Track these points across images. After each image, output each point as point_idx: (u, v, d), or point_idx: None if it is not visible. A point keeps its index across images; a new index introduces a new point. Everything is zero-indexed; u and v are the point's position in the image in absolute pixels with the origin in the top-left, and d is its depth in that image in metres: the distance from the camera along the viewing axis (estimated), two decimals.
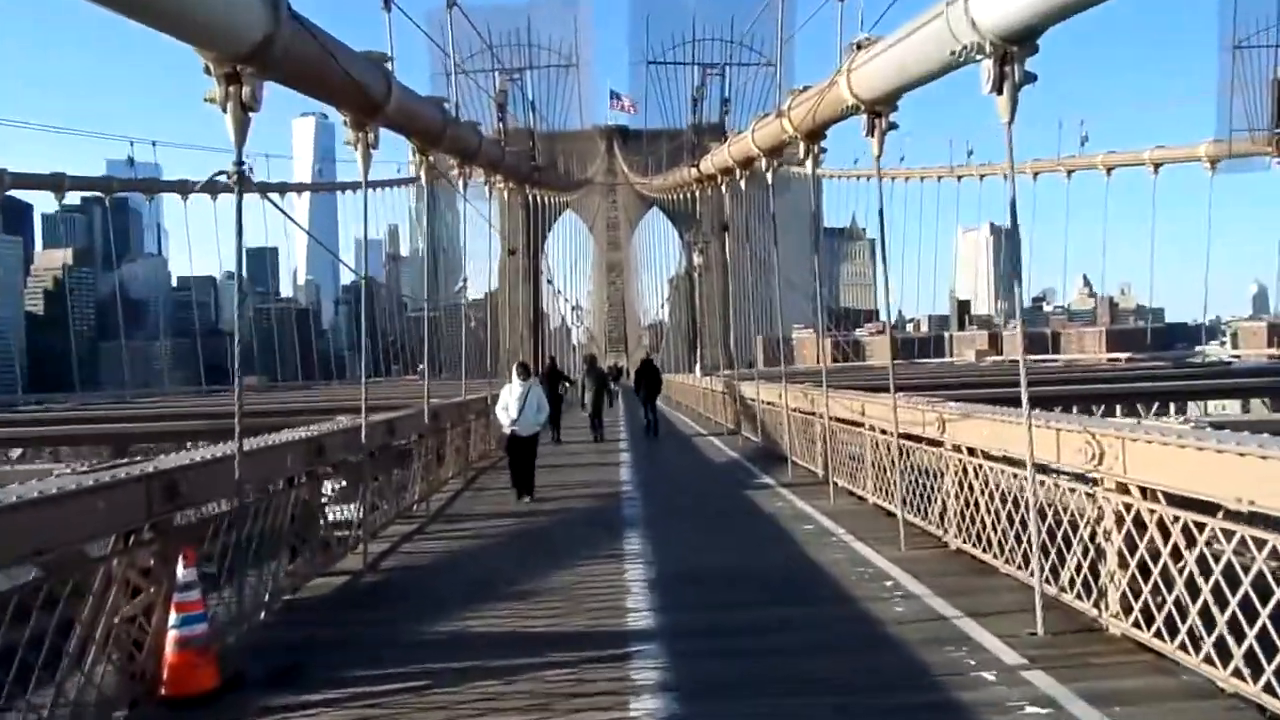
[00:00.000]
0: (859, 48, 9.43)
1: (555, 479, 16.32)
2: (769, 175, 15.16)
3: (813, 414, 15.60)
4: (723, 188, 20.06)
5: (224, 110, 6.61)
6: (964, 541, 9.14)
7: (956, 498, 9.34)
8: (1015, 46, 6.63)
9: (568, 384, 25.81)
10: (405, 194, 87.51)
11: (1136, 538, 6.24)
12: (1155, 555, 6.08)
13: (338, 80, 8.48)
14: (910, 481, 10.36)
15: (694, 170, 23.68)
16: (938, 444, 9.84)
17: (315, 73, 8.07)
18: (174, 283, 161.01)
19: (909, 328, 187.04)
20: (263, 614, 7.62)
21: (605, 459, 19.47)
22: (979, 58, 6.81)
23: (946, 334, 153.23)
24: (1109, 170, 32.72)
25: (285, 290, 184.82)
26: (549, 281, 73.55)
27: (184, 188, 55.96)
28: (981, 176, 43.23)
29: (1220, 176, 31.82)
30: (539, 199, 55.26)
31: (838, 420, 13.29)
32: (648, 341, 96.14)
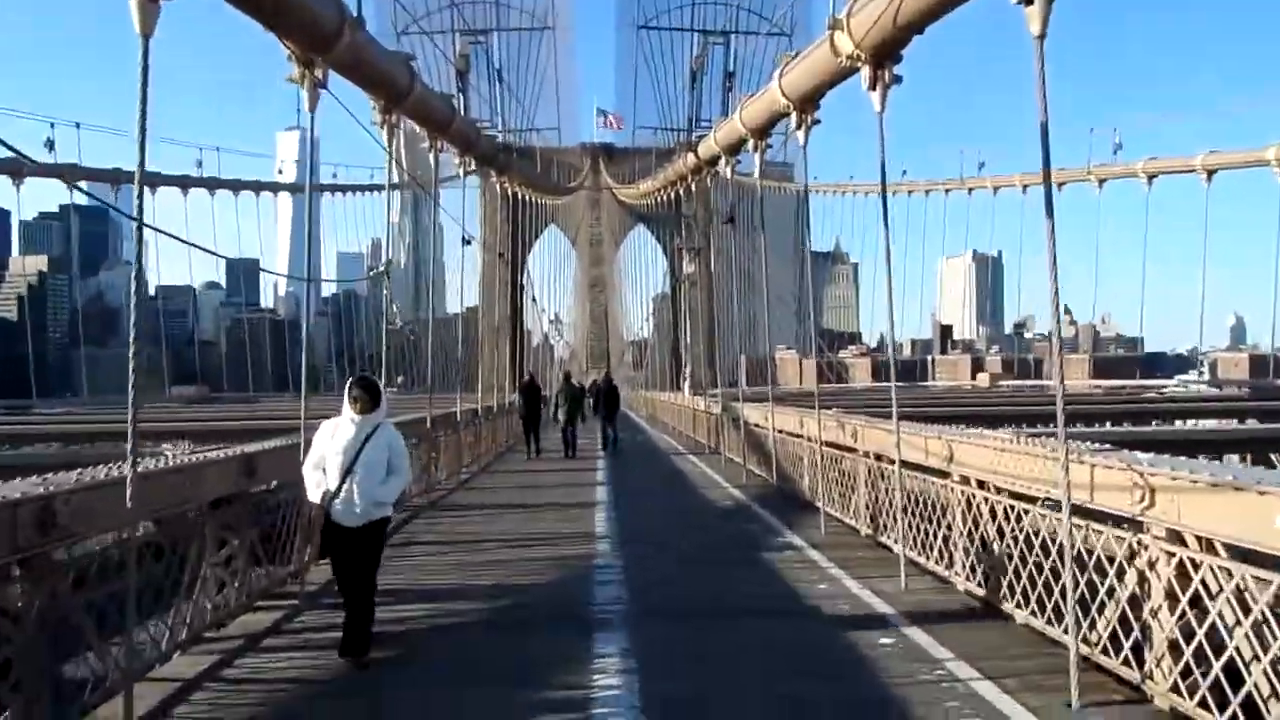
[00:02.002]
0: None
1: (509, 526, 12.07)
2: (800, 135, 11.01)
3: (853, 451, 11.43)
4: (727, 170, 15.93)
5: None
6: (1192, 699, 4.96)
7: (1180, 620, 5.16)
8: None
9: (545, 399, 25.03)
10: (387, 205, 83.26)
11: None
12: None
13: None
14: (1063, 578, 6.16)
15: (690, 157, 19.55)
16: (1129, 524, 5.68)
17: None
18: (151, 291, 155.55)
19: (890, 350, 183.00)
20: None
21: (578, 496, 15.18)
22: None
23: (929, 357, 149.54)
24: (1150, 178, 28.71)
25: (267, 301, 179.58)
26: (533, 300, 69.14)
27: (184, 182, 51.14)
28: (996, 188, 39.22)
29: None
30: (521, 204, 51.02)
31: (911, 467, 9.07)
32: (630, 358, 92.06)
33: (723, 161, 15.94)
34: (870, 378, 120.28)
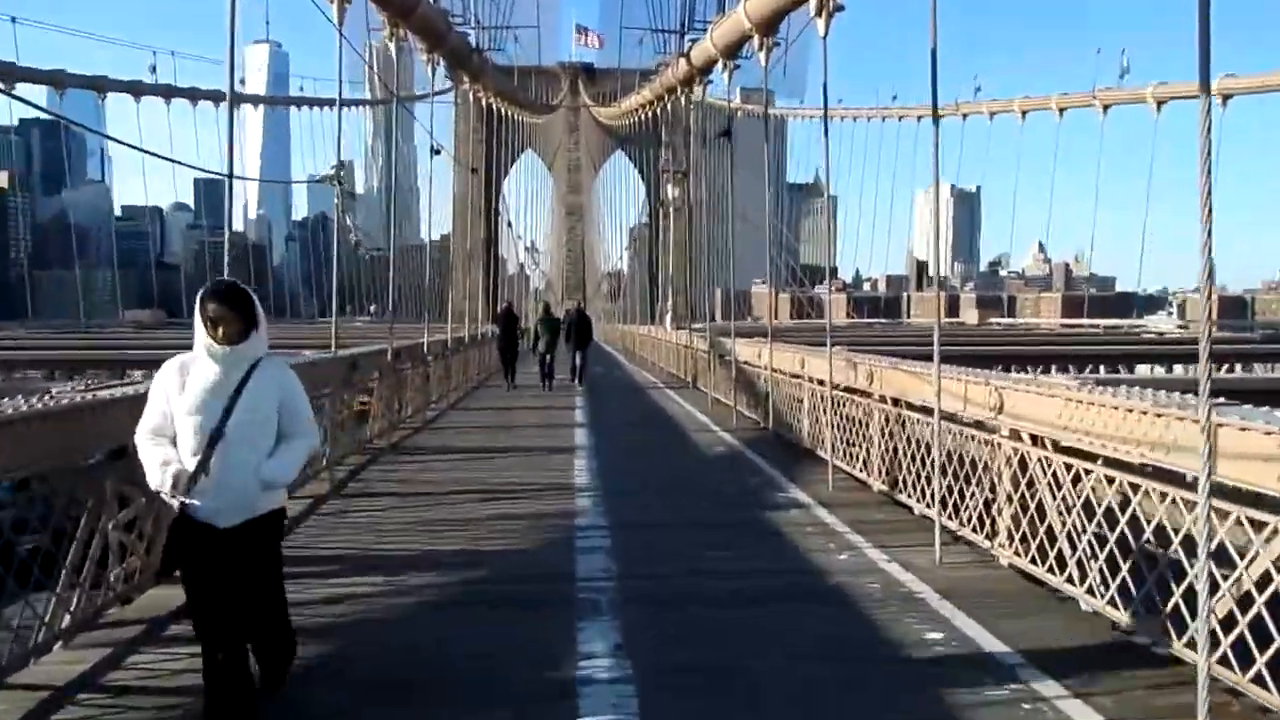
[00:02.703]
0: None
1: (479, 475, 10.68)
2: (820, 24, 9.43)
3: (865, 395, 10.13)
4: (725, 76, 14.26)
5: None
6: None
7: None
8: None
9: (523, 330, 25.13)
10: (359, 124, 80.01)
11: None
12: None
13: None
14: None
15: (682, 64, 17.77)
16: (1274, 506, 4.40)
17: None
18: (118, 212, 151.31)
19: (866, 286, 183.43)
20: None
21: (556, 438, 13.88)
22: None
23: (905, 294, 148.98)
24: (1159, 105, 27.38)
25: (236, 224, 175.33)
26: (508, 225, 66.99)
27: (136, 88, 47.45)
28: (993, 114, 37.53)
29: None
30: (498, 123, 48.68)
31: (955, 419, 7.74)
32: (606, 289, 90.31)
33: (720, 66, 14.29)
34: (845, 314, 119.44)
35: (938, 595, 6.20)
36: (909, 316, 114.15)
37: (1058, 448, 6.30)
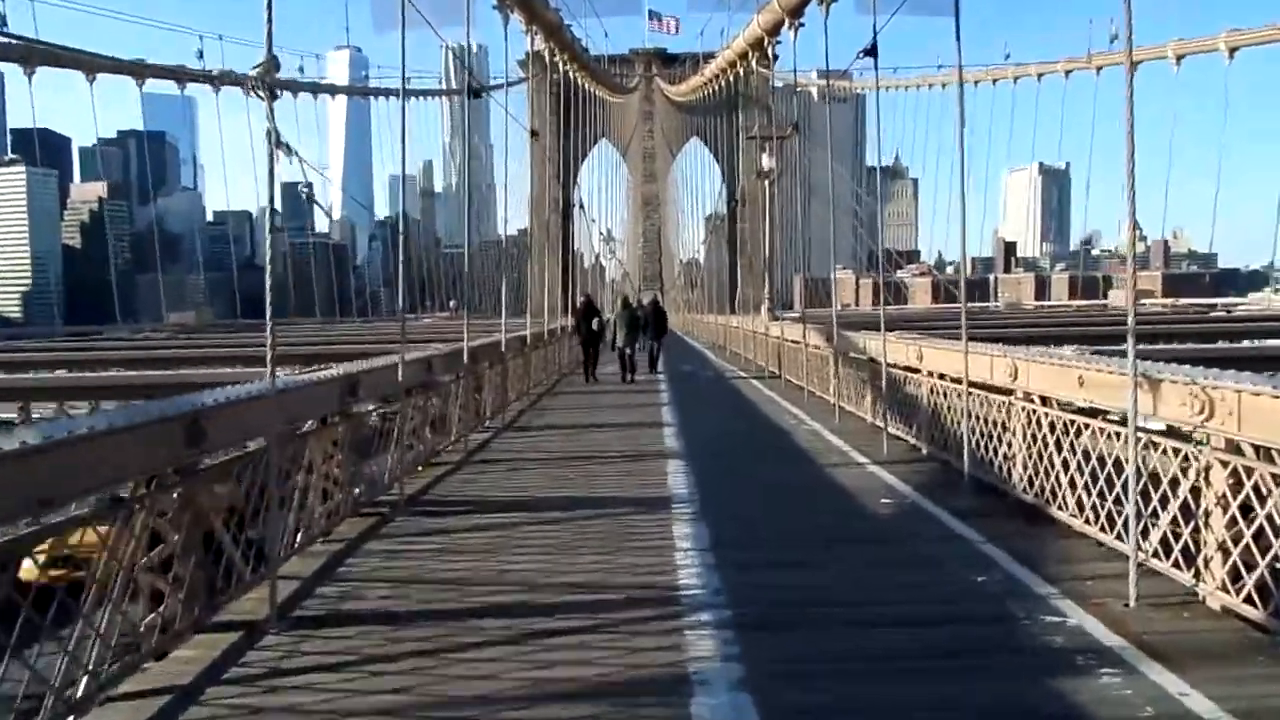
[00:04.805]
0: None
1: (530, 565, 6.57)
2: None
3: (1185, 439, 5.74)
4: (822, 7, 9.84)
5: None
6: None
7: None
8: None
9: (601, 321, 23.11)
10: (436, 122, 77.79)
11: None
12: None
13: None
14: None
15: (773, 5, 13.30)
16: None
17: None
18: (209, 217, 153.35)
19: (949, 269, 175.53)
20: None
21: (642, 477, 9.84)
22: None
23: (992, 276, 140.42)
24: (1179, 59, 24.17)
25: (320, 226, 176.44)
26: (580, 207, 63.10)
27: (213, 78, 44.07)
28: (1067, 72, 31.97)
29: None
30: (574, 105, 44.74)
31: None
32: (684, 278, 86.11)
33: None
34: (930, 299, 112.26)
35: None
36: (995, 300, 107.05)
37: None
